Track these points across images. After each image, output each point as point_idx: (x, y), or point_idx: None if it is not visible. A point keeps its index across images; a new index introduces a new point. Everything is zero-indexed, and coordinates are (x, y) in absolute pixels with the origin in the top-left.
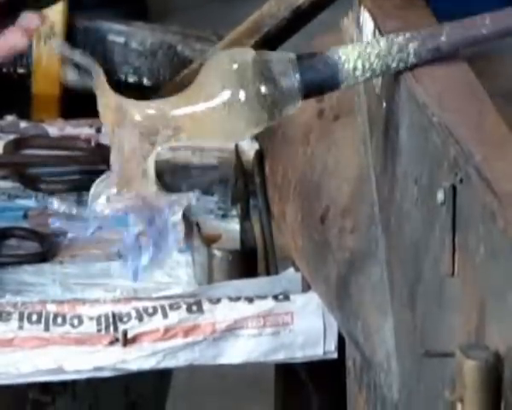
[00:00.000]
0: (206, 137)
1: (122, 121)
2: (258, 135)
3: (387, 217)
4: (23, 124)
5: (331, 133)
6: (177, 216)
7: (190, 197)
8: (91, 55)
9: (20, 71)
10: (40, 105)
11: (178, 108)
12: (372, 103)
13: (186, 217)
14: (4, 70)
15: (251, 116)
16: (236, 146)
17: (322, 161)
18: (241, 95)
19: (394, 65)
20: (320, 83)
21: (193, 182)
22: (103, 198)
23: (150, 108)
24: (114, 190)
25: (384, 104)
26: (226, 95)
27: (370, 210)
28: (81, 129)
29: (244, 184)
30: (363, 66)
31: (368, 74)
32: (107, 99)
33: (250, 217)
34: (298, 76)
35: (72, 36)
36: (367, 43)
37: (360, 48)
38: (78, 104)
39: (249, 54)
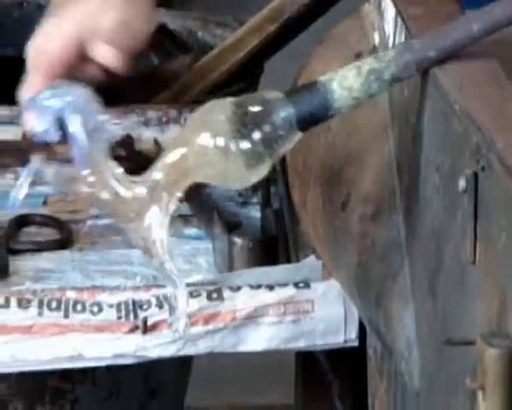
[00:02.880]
0: (211, 180)
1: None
2: None
3: (409, 204)
4: None
5: (352, 120)
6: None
7: None
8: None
9: None
10: None
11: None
12: (394, 90)
13: (206, 204)
14: (23, 56)
15: (250, 161)
16: None
17: (343, 147)
18: (233, 145)
19: (379, 91)
20: (313, 113)
21: None
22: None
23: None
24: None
25: (406, 91)
26: (220, 144)
27: (392, 197)
28: None
29: None
30: (349, 95)
31: (360, 97)
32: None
33: (271, 204)
34: (292, 111)
35: None
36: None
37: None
38: (95, 90)
39: (231, 103)
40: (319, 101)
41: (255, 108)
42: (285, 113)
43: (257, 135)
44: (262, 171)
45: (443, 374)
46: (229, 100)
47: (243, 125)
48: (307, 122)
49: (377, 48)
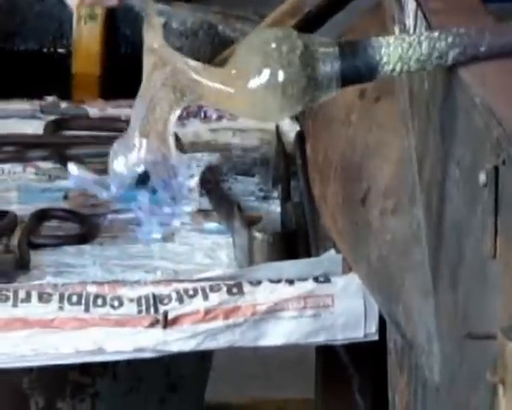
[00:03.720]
0: (245, 114)
1: (158, 66)
2: (300, 116)
3: (429, 198)
4: (63, 104)
5: (372, 114)
6: (194, 181)
7: (210, 160)
8: (132, 35)
9: (60, 51)
10: (80, 85)
11: (210, 80)
12: (414, 84)
13: (227, 199)
14: (44, 50)
15: (286, 100)
16: (277, 127)
17: (364, 141)
18: (280, 76)
19: (430, 68)
20: (357, 77)
21: (234, 163)
22: (122, 157)
23: (185, 64)
24: (134, 144)
25: (426, 85)
26: (264, 76)
27: (412, 191)
28: (121, 110)
29: (285, 165)
30: (402, 68)
31: (404, 72)
32: (151, 40)
33: (291, 199)
34: (338, 67)
35: (112, 17)
36: (409, 44)
37: (402, 49)
38: (119, 85)
39: (293, 36)
40: (367, 62)
41: (311, 49)
42: (331, 68)
43: (302, 72)
44: (293, 110)
45: (463, 368)
46: (294, 32)
47: (291, 58)
48: (349, 81)
49: None
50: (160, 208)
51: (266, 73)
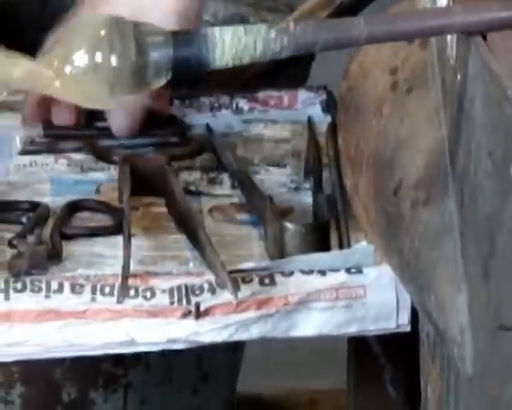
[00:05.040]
0: (73, 99)
1: None
2: (331, 108)
3: (461, 190)
4: None
5: (404, 105)
6: None
7: None
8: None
9: None
10: None
11: (49, 68)
12: (446, 75)
13: (259, 191)
14: None
15: (117, 83)
16: (309, 119)
17: (396, 133)
18: (112, 60)
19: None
20: (187, 69)
21: (265, 154)
22: None
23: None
24: None
25: (458, 76)
26: (95, 59)
27: (444, 183)
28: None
29: (317, 156)
30: (233, 64)
31: (244, 61)
32: None
33: (323, 190)
34: (170, 52)
35: None
36: (244, 46)
37: (236, 50)
38: None
39: (125, 22)
40: (199, 57)
41: (135, 35)
42: (161, 53)
43: (132, 58)
44: (121, 95)
45: (496, 360)
46: (108, 17)
47: (118, 45)
48: (179, 72)
49: None
50: None
51: (94, 56)
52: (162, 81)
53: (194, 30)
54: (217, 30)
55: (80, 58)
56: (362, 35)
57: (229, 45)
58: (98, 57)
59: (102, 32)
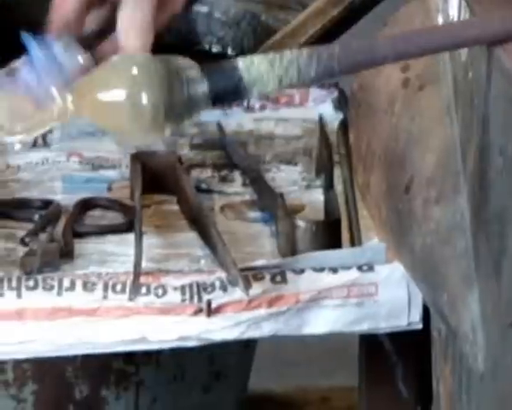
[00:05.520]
0: (110, 131)
1: None
2: (343, 105)
3: (473, 187)
4: None
5: (416, 103)
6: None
7: None
8: (175, 25)
9: None
10: None
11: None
12: (458, 72)
13: (270, 188)
14: None
15: (156, 121)
16: (320, 116)
17: (407, 130)
18: (144, 99)
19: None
20: (226, 92)
21: (276, 152)
22: None
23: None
24: None
25: (470, 73)
26: (130, 99)
27: (455, 180)
28: None
29: (328, 154)
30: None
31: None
32: None
33: (334, 187)
34: (206, 88)
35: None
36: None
37: (267, 68)
38: None
39: (154, 61)
40: (232, 83)
41: (172, 71)
42: (201, 86)
43: (169, 97)
44: (161, 132)
45: (508, 356)
46: (145, 56)
47: (159, 82)
48: (220, 99)
49: None
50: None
51: (129, 95)
52: (199, 115)
53: (227, 62)
54: (252, 60)
55: (116, 94)
56: (389, 55)
57: (263, 75)
58: (132, 97)
59: (134, 71)
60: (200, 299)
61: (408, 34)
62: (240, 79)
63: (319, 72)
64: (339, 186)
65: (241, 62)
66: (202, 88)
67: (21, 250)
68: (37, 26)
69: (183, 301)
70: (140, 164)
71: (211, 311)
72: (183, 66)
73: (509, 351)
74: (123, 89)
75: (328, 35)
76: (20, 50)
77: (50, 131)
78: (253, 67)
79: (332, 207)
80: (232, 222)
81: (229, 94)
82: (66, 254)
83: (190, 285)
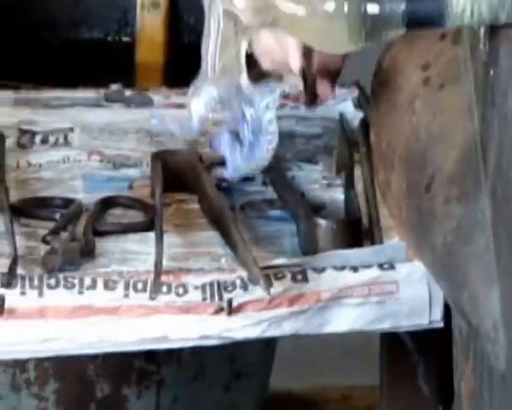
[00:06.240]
0: (304, 40)
1: None
2: (363, 104)
3: (494, 186)
4: (128, 92)
5: (437, 101)
6: (271, 111)
7: (282, 88)
8: (195, 24)
9: (125, 39)
10: (145, 73)
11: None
12: (479, 71)
13: (291, 187)
14: (109, 39)
15: (351, 31)
16: (341, 115)
17: (428, 128)
18: (345, 8)
19: (504, 19)
20: (425, 16)
21: (297, 151)
22: (199, 97)
23: None
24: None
25: (491, 72)
26: (330, 6)
27: (477, 178)
28: (186, 97)
29: (348, 153)
30: (472, 11)
31: (475, 20)
32: None
33: (354, 186)
34: (404, 4)
35: (175, 5)
36: None
37: None
38: (183, 74)
39: None
40: (435, 9)
41: None
42: (397, 4)
43: (370, 8)
44: (355, 46)
45: None
46: None
47: None
48: (416, 24)
49: (461, 30)
50: (241, 145)
51: (331, 5)
52: (398, 32)
53: None
54: None
55: (318, 5)
56: None
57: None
58: (333, 6)
59: None
60: (220, 298)
61: None
62: (441, 5)
63: None
64: (359, 185)
65: None
66: (399, 8)
67: (43, 249)
68: (58, 25)
69: (204, 299)
70: (161, 163)
71: (232, 310)
72: None
73: None
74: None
75: None
76: (37, 46)
77: (71, 130)
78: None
79: (352, 206)
80: (253, 221)
81: (427, 19)
82: (88, 252)
83: (211, 284)
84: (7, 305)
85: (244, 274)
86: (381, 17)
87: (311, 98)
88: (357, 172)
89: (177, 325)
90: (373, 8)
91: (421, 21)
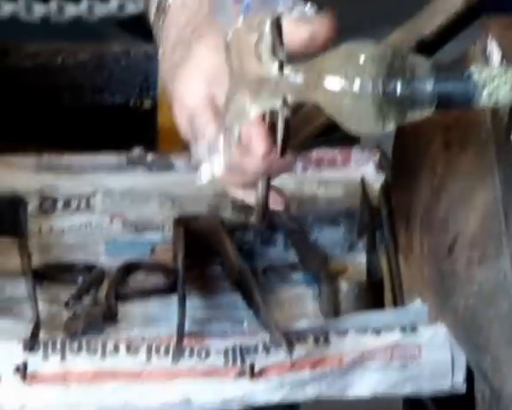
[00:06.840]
0: (338, 119)
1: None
2: (385, 168)
3: None
4: (150, 156)
5: (458, 164)
6: None
7: None
8: None
9: (147, 103)
10: (166, 138)
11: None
12: (500, 134)
13: (313, 249)
14: (131, 104)
15: (377, 111)
16: (362, 179)
17: (449, 191)
18: (369, 87)
19: None
20: (453, 99)
21: (319, 214)
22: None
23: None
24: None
25: None
26: (356, 85)
27: (498, 241)
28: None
29: (370, 215)
30: (497, 97)
31: (499, 104)
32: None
33: (376, 249)
34: (433, 84)
35: None
36: (505, 73)
37: (499, 78)
38: None
39: (388, 48)
40: (463, 91)
41: (401, 64)
42: (427, 84)
43: (397, 89)
44: (385, 126)
45: None
46: (376, 44)
47: (386, 73)
48: (445, 105)
49: None
50: None
51: (357, 81)
52: (423, 114)
53: (459, 66)
54: (485, 69)
55: (344, 83)
56: None
57: (498, 87)
58: (359, 83)
59: (362, 58)
60: (243, 361)
61: None
62: (472, 87)
63: None
64: (381, 247)
65: (476, 70)
66: (428, 86)
67: (65, 314)
68: (81, 90)
69: (227, 363)
70: (183, 227)
71: (254, 373)
72: (412, 61)
73: None
74: (350, 76)
75: None
76: (59, 111)
77: (93, 194)
78: (490, 78)
79: (374, 268)
80: (275, 284)
81: (456, 99)
82: (110, 317)
83: (233, 348)
84: (29, 370)
85: (266, 337)
86: (409, 98)
87: (264, 213)
88: (379, 234)
89: (200, 389)
90: (400, 88)
91: (447, 104)
